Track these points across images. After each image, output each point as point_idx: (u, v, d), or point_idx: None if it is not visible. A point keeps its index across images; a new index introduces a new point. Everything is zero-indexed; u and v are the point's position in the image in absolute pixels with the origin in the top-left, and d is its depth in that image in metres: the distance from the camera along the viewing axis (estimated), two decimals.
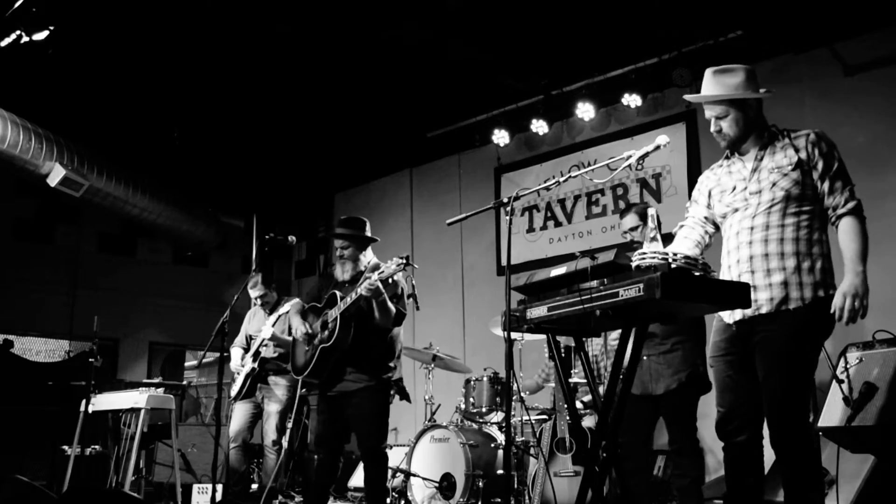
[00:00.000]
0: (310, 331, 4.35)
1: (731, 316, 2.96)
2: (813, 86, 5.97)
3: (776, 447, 2.84)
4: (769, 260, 2.88)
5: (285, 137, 8.28)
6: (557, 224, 7.59)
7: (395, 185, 9.10)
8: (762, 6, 5.84)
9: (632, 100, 6.73)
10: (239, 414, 5.73)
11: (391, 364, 4.38)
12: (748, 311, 2.87)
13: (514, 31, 6.35)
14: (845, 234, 2.86)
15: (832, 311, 2.77)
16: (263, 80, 7.14)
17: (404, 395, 6.11)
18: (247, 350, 5.83)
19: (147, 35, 6.34)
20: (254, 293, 5.92)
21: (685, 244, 3.16)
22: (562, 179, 3.44)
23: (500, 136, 7.57)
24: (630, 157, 3.15)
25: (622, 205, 7.06)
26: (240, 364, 5.77)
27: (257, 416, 5.77)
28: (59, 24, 5.87)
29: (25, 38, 5.79)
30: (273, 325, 5.61)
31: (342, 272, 4.42)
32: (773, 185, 2.90)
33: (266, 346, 5.61)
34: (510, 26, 6.28)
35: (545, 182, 3.90)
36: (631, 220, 4.41)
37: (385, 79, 7.12)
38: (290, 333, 4.68)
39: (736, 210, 3.01)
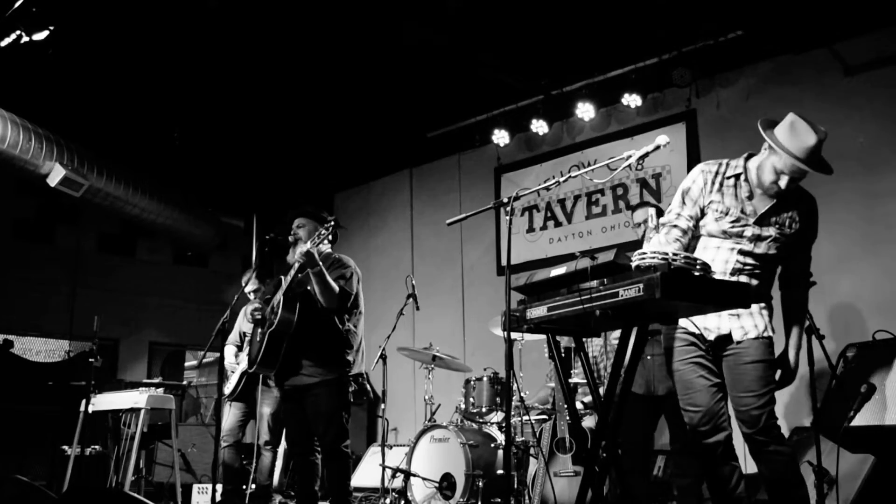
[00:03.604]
0: (262, 308, 4.25)
1: (698, 330, 3.04)
2: (813, 86, 5.96)
3: (754, 452, 2.92)
4: None
5: (285, 137, 8.27)
6: (557, 224, 7.59)
7: (395, 185, 9.09)
8: (762, 6, 5.83)
9: (632, 100, 6.72)
10: (231, 413, 5.70)
11: (349, 357, 4.24)
12: (722, 329, 2.99)
13: (514, 31, 6.34)
14: (796, 304, 3.11)
15: (791, 365, 3.03)
16: (263, 80, 7.13)
17: (363, 393, 5.77)
18: (240, 348, 5.82)
19: (147, 35, 6.34)
20: (248, 288, 5.95)
21: (677, 246, 3.07)
22: (562, 179, 3.43)
23: (500, 136, 7.57)
24: (630, 157, 3.14)
25: (622, 205, 7.08)
26: (234, 362, 5.75)
27: (249, 414, 5.74)
28: (59, 24, 5.87)
29: (25, 38, 5.79)
30: None
31: (293, 255, 4.31)
32: (773, 240, 2.99)
33: None
34: (510, 26, 6.27)
35: (545, 182, 3.89)
36: (640, 215, 4.45)
37: (385, 79, 7.11)
38: None
39: (729, 237, 3.02)
